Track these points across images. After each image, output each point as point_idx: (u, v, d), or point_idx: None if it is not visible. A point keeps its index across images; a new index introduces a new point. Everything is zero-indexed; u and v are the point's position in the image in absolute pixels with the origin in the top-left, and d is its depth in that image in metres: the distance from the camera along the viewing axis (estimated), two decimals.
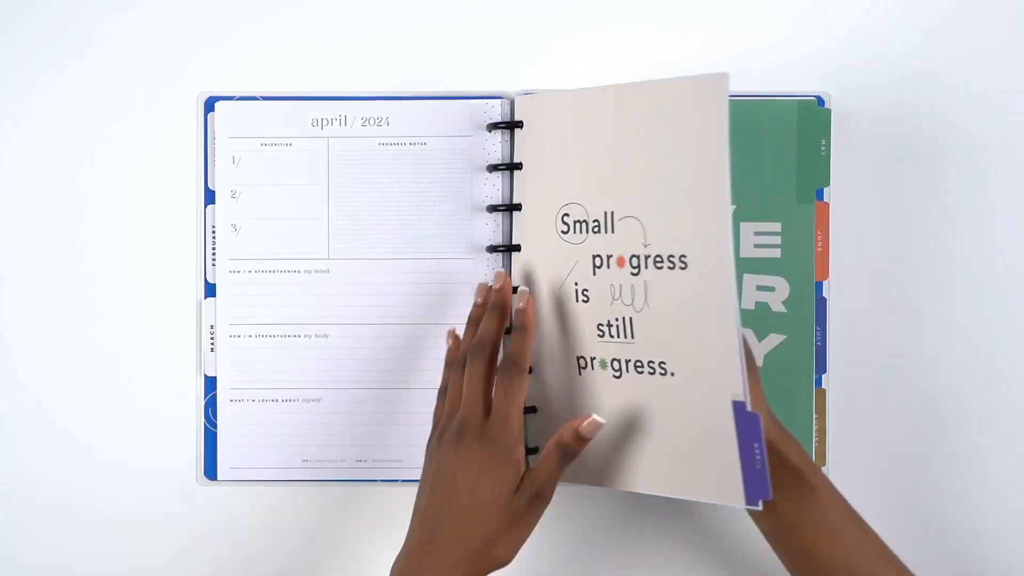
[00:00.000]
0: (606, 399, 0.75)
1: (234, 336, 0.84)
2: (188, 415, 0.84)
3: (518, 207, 0.81)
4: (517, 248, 0.80)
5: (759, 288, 0.83)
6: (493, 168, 0.82)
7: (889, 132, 0.85)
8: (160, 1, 0.85)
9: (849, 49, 0.85)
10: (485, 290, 0.78)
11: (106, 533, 0.85)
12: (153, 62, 0.85)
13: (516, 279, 0.80)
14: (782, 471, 0.72)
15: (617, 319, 0.74)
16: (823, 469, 0.83)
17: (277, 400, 0.84)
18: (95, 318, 0.85)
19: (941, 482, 0.84)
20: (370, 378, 0.83)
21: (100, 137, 0.85)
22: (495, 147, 0.83)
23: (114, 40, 0.85)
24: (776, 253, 0.83)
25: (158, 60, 0.85)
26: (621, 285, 0.74)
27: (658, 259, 0.72)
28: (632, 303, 0.73)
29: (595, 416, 0.70)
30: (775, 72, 0.85)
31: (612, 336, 0.74)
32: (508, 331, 0.77)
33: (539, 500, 0.70)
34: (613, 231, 0.74)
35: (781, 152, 0.83)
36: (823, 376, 0.83)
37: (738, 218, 0.83)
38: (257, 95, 0.84)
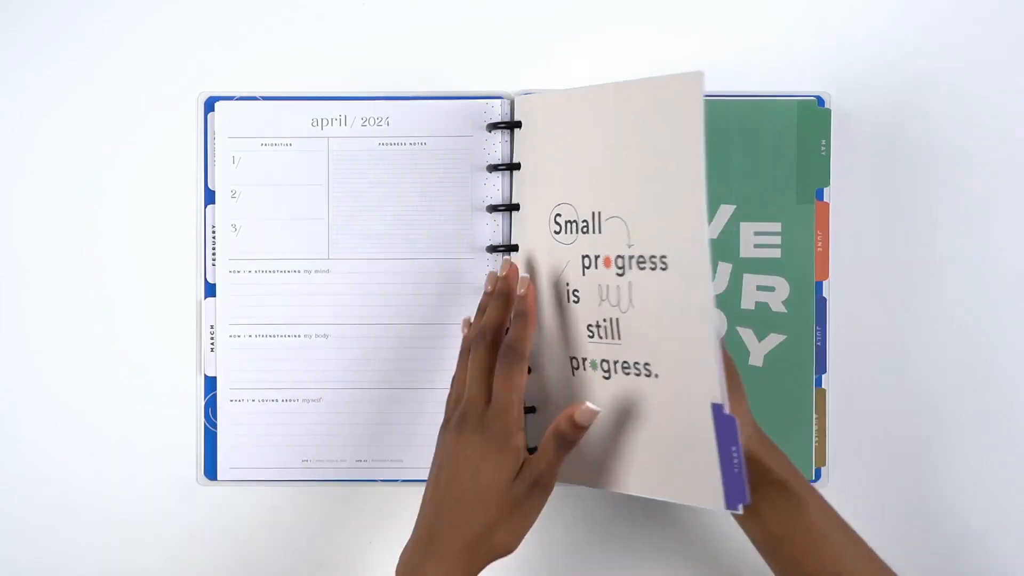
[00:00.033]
0: (597, 400, 0.75)
1: (234, 336, 0.84)
2: (188, 415, 0.84)
3: (516, 207, 0.81)
4: (516, 248, 0.80)
5: (759, 288, 0.83)
6: (493, 168, 0.82)
7: (889, 132, 0.85)
8: (160, 1, 0.85)
9: (849, 49, 0.85)
10: (494, 278, 0.78)
11: (106, 533, 0.85)
12: (153, 62, 0.85)
13: None
14: (768, 484, 0.72)
15: (605, 320, 0.73)
16: (823, 469, 0.83)
17: (277, 400, 0.84)
18: (95, 318, 0.85)
19: (940, 482, 0.84)
20: (370, 378, 0.83)
21: (100, 137, 0.85)
22: (495, 147, 0.83)
23: (114, 40, 0.85)
24: (776, 253, 0.83)
25: (158, 60, 0.85)
26: (608, 286, 0.73)
27: (640, 260, 0.71)
28: (618, 304, 0.73)
29: (588, 403, 0.69)
30: (775, 72, 0.85)
31: (601, 337, 0.74)
32: None
33: (537, 488, 0.70)
34: (600, 231, 0.73)
35: (781, 152, 0.83)
36: (823, 376, 0.83)
37: (738, 218, 0.83)
38: (257, 95, 0.84)
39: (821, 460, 0.83)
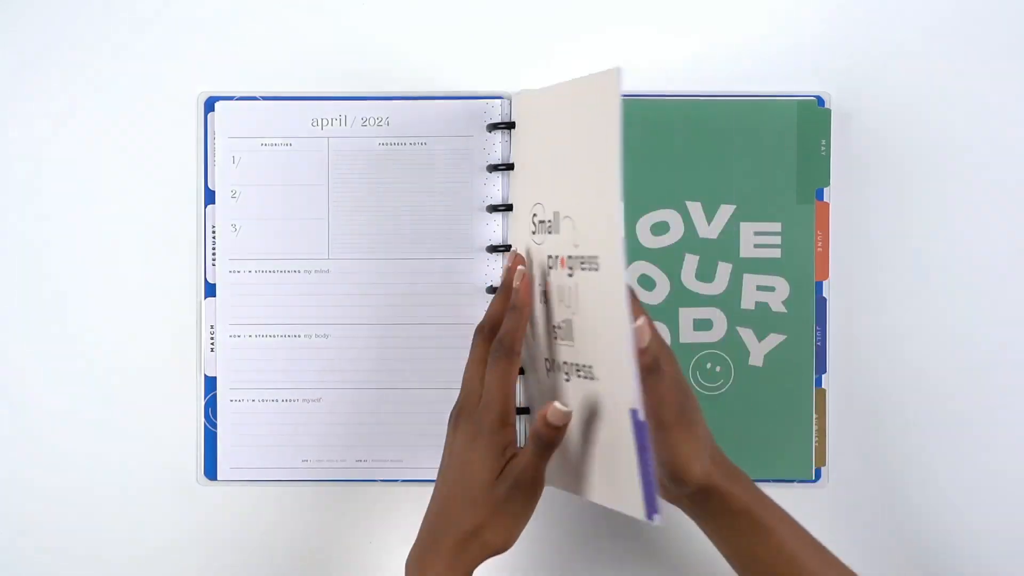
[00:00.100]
0: (565, 403, 0.72)
1: (234, 336, 0.83)
2: (188, 415, 0.84)
3: (511, 207, 0.81)
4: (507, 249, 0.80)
5: (759, 288, 0.83)
6: (493, 168, 0.82)
7: (889, 132, 0.85)
8: (160, 1, 0.85)
9: (849, 49, 0.85)
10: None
11: (106, 533, 0.84)
12: (153, 62, 0.85)
13: None
14: (729, 514, 0.70)
15: (564, 322, 0.72)
16: (823, 469, 0.83)
17: (277, 400, 0.84)
18: (95, 318, 0.84)
19: (940, 482, 0.84)
20: (370, 378, 0.83)
21: (100, 137, 0.85)
22: (495, 147, 0.83)
23: (114, 40, 0.85)
24: (776, 253, 0.83)
25: (158, 60, 0.85)
26: (564, 287, 0.72)
27: (582, 261, 0.70)
28: (571, 305, 0.71)
29: (557, 403, 0.67)
30: (775, 72, 0.85)
31: (561, 339, 0.72)
32: None
33: (520, 489, 0.69)
34: (559, 231, 0.72)
35: (781, 152, 0.83)
36: (823, 376, 0.83)
37: (738, 218, 0.83)
38: (257, 95, 0.84)
39: (821, 460, 0.83)
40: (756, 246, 0.83)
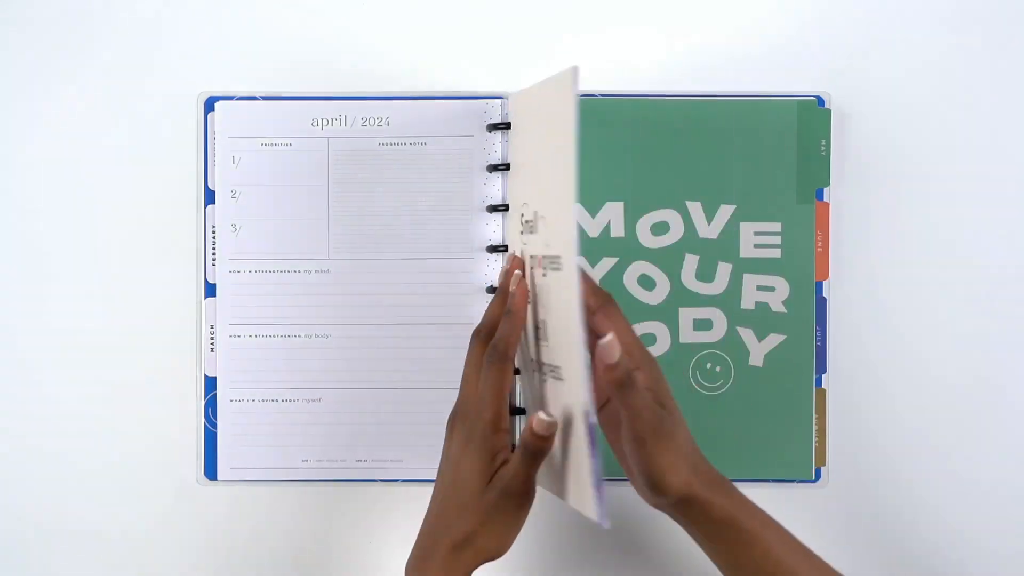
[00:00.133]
0: (545, 402, 0.73)
1: (234, 336, 0.83)
2: (188, 415, 0.84)
3: (507, 207, 0.81)
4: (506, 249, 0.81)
5: (759, 288, 0.83)
6: (493, 168, 0.82)
7: (889, 132, 0.85)
8: (160, 1, 0.85)
9: (849, 49, 0.85)
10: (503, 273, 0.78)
11: (106, 533, 0.84)
12: (153, 62, 0.85)
13: None
14: (712, 522, 0.69)
15: (542, 321, 0.72)
16: (823, 469, 0.83)
17: (277, 400, 0.84)
18: (95, 318, 0.84)
19: (940, 482, 0.84)
20: (370, 378, 0.83)
21: (100, 137, 0.85)
22: (495, 147, 0.83)
23: (114, 40, 0.85)
24: (776, 253, 0.83)
25: (158, 60, 0.85)
26: (540, 287, 0.72)
27: (551, 260, 0.70)
28: (546, 305, 0.71)
29: (540, 413, 0.67)
30: (775, 72, 0.85)
31: (541, 339, 0.72)
32: None
33: (507, 496, 0.68)
34: (538, 231, 0.72)
35: (781, 152, 0.83)
36: (823, 376, 0.83)
37: (738, 218, 0.83)
38: (257, 95, 0.84)
39: (821, 460, 0.83)
40: (756, 246, 0.83)
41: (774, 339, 0.83)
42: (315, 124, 0.83)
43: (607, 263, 0.83)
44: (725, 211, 0.83)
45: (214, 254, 0.84)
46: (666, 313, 0.83)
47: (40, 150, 0.85)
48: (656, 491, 0.67)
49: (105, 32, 0.85)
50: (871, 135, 0.85)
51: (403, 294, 0.83)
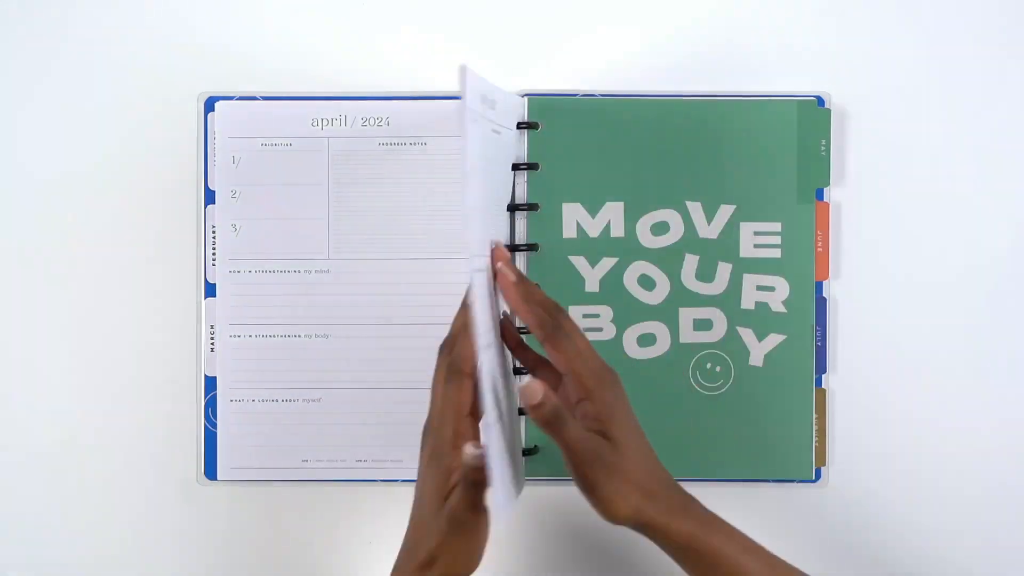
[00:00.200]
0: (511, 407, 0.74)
1: (234, 336, 0.84)
2: (188, 415, 0.84)
3: (522, 207, 0.81)
4: (520, 248, 0.81)
5: (759, 288, 0.83)
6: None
7: (889, 132, 0.85)
8: (160, 1, 0.85)
9: (849, 49, 0.85)
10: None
11: (106, 533, 0.85)
12: (153, 62, 0.85)
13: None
14: (673, 548, 0.69)
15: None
16: (823, 469, 0.83)
17: (277, 400, 0.84)
18: (95, 318, 0.85)
19: (941, 482, 0.84)
20: (370, 378, 0.83)
21: (100, 137, 0.85)
22: None
23: (114, 40, 0.85)
24: (776, 253, 0.83)
25: (158, 60, 0.85)
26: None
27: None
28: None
29: (467, 445, 0.66)
30: (775, 72, 0.85)
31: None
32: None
33: (455, 522, 0.67)
34: None
35: (781, 152, 0.83)
36: (823, 376, 0.83)
37: (738, 218, 0.83)
38: (257, 95, 0.84)
39: (821, 460, 0.83)
40: (756, 246, 0.83)
41: (774, 339, 0.83)
42: (315, 124, 0.83)
43: (607, 263, 0.83)
44: (725, 211, 0.83)
45: (214, 254, 0.84)
46: (666, 313, 0.83)
47: (40, 150, 0.85)
48: (605, 518, 0.67)
49: (105, 32, 0.85)
50: (871, 135, 0.85)
51: (403, 294, 0.83)
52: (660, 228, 0.83)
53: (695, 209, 0.83)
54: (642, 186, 0.83)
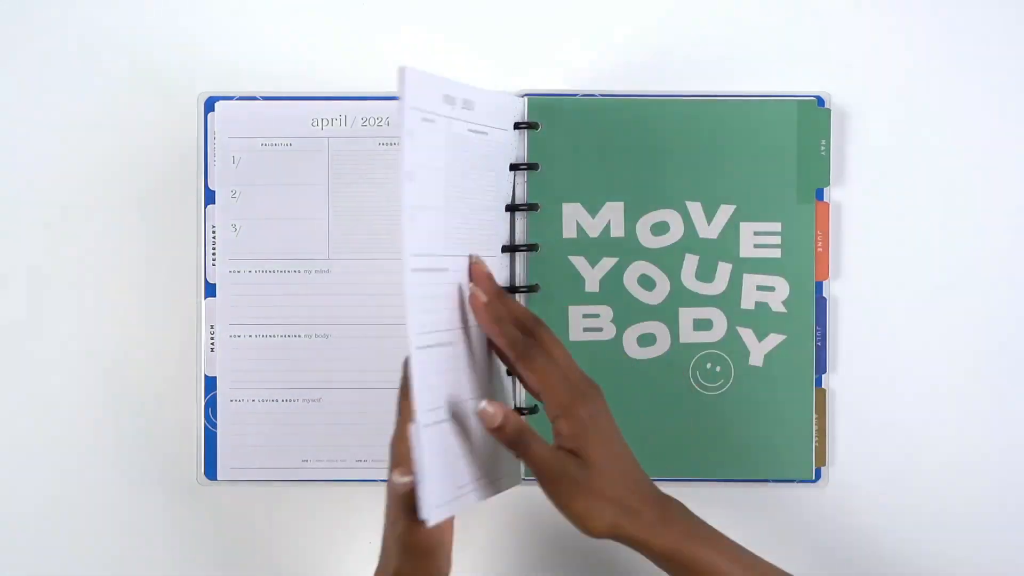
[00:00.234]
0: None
1: (234, 336, 0.83)
2: (188, 415, 0.84)
3: (521, 207, 0.81)
4: (521, 249, 0.81)
5: (759, 288, 0.83)
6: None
7: (889, 132, 0.85)
8: (160, 1, 0.85)
9: (849, 49, 0.85)
10: None
11: (106, 533, 0.84)
12: (153, 62, 0.85)
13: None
14: (655, 559, 0.69)
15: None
16: (823, 469, 0.83)
17: (277, 400, 0.84)
18: (95, 318, 0.84)
19: (940, 482, 0.84)
20: (370, 378, 0.83)
21: (100, 137, 0.85)
22: None
23: (114, 40, 0.85)
24: (776, 253, 0.83)
25: (158, 60, 0.85)
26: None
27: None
28: None
29: (395, 473, 0.67)
30: (775, 72, 0.85)
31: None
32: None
33: (402, 546, 0.67)
34: None
35: (781, 152, 0.83)
36: (823, 376, 0.83)
37: (738, 218, 0.83)
38: (257, 95, 0.84)
39: (821, 460, 0.83)
40: (756, 246, 0.83)
41: (774, 339, 0.83)
42: (315, 124, 0.83)
43: (607, 263, 0.83)
44: (725, 211, 0.83)
45: (214, 254, 0.84)
46: (666, 313, 0.83)
47: (40, 150, 0.85)
48: (582, 532, 0.68)
49: (105, 32, 0.85)
50: (871, 135, 0.85)
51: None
52: (660, 228, 0.83)
53: (695, 209, 0.83)
54: (642, 186, 0.83)
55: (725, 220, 0.83)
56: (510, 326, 0.71)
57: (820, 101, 0.83)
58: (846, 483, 0.84)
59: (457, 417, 0.69)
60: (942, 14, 0.85)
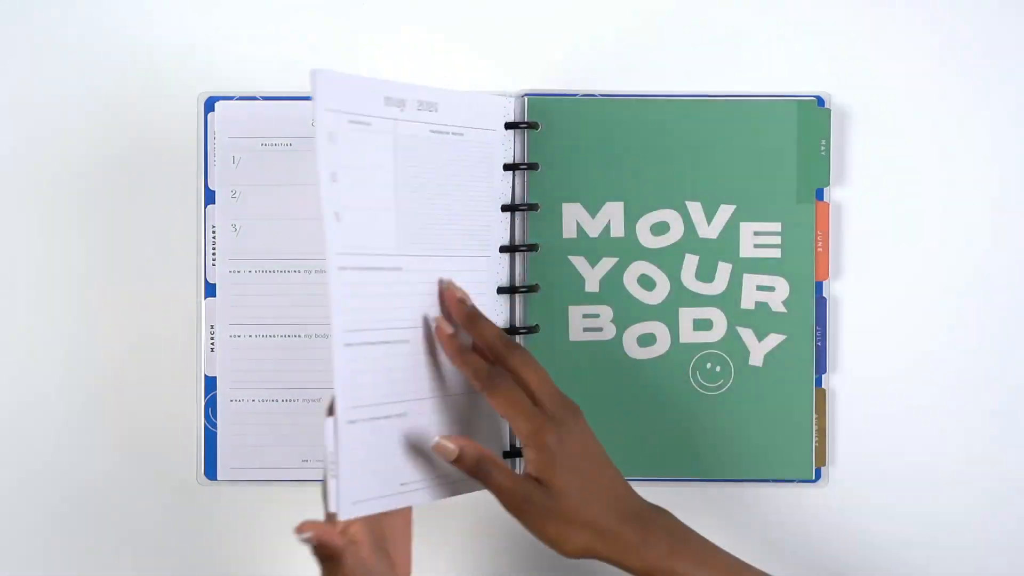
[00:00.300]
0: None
1: (234, 336, 0.83)
2: (188, 415, 0.84)
3: (535, 207, 0.81)
4: (521, 249, 0.81)
5: (759, 288, 0.83)
6: (507, 167, 0.82)
7: (889, 132, 0.85)
8: (160, 1, 0.85)
9: (849, 49, 0.85)
10: None
11: (106, 533, 0.84)
12: (153, 62, 0.85)
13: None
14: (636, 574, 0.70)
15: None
16: (823, 469, 0.83)
17: (277, 400, 0.84)
18: (95, 318, 0.85)
19: (940, 482, 0.84)
20: None
21: (100, 137, 0.85)
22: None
23: (114, 40, 0.85)
24: (776, 253, 0.83)
25: (158, 60, 0.85)
26: None
27: None
28: None
29: (297, 529, 0.68)
30: (775, 72, 0.85)
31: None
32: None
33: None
34: None
35: (781, 152, 0.83)
36: (823, 376, 0.83)
37: (738, 218, 0.83)
38: (257, 95, 0.84)
39: (821, 460, 0.83)
40: (756, 246, 0.83)
41: (774, 339, 0.83)
42: (315, 124, 0.83)
43: (607, 263, 0.83)
44: (725, 211, 0.83)
45: (214, 254, 0.84)
46: (666, 313, 0.83)
47: (40, 150, 0.85)
48: (558, 553, 0.69)
49: (105, 32, 0.85)
50: (871, 135, 0.85)
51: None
52: (660, 228, 0.83)
53: (695, 209, 0.83)
54: (642, 186, 0.83)
55: (725, 220, 0.83)
56: (474, 356, 0.72)
57: (820, 101, 0.83)
58: (846, 483, 0.84)
59: (413, 415, 0.71)
60: (942, 14, 0.85)
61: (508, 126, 0.81)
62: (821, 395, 0.83)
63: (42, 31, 0.85)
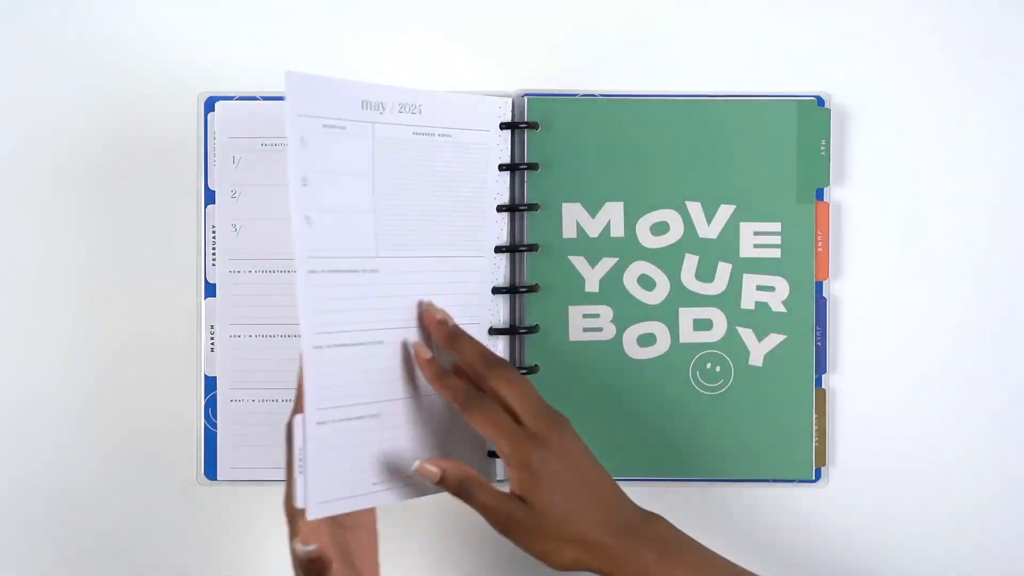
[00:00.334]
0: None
1: (234, 336, 0.83)
2: (188, 415, 0.84)
3: (535, 207, 0.81)
4: (521, 249, 0.80)
5: (759, 288, 0.83)
6: (503, 167, 0.82)
7: (889, 132, 0.85)
8: (160, 2, 0.85)
9: (849, 49, 0.85)
10: None
11: (106, 533, 0.84)
12: (153, 62, 0.85)
13: None
14: None
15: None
16: (823, 469, 0.83)
17: (277, 400, 0.84)
18: (95, 318, 0.84)
19: (941, 482, 0.84)
20: None
21: (100, 137, 0.85)
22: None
23: (114, 40, 0.85)
24: (776, 253, 0.83)
25: (158, 60, 0.85)
26: None
27: None
28: None
29: (295, 541, 0.69)
30: (775, 72, 0.85)
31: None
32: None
33: None
34: None
35: (781, 152, 0.83)
36: (823, 376, 0.83)
37: (738, 218, 0.83)
38: (257, 95, 0.84)
39: (821, 460, 0.83)
40: (756, 246, 0.83)
41: (774, 339, 0.83)
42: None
43: (607, 263, 0.83)
44: (725, 211, 0.83)
45: (214, 254, 0.84)
46: (666, 313, 0.83)
47: (40, 149, 0.85)
48: (549, 567, 0.70)
49: (105, 32, 0.85)
50: (871, 135, 0.85)
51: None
52: (660, 228, 0.83)
53: (695, 209, 0.83)
54: (642, 186, 0.83)
55: (725, 220, 0.83)
56: (453, 379, 0.72)
57: (820, 101, 0.83)
58: (846, 483, 0.84)
59: (388, 415, 0.71)
60: (942, 14, 0.85)
61: (507, 126, 0.81)
62: (821, 395, 0.83)
63: (42, 31, 0.85)
